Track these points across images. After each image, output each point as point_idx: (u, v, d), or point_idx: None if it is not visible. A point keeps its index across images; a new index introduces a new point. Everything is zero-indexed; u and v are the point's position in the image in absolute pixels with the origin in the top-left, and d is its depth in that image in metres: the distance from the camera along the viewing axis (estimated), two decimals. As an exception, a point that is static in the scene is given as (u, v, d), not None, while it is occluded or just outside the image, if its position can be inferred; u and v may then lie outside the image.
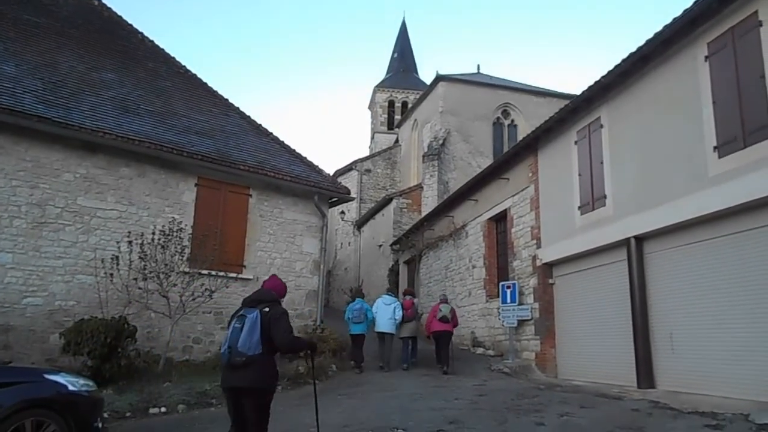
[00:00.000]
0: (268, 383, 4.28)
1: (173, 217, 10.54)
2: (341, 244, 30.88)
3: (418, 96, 31.61)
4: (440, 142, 24.72)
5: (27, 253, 9.31)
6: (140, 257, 9.48)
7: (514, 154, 12.85)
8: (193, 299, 9.80)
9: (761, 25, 6.74)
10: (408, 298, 12.37)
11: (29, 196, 9.45)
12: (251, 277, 11.83)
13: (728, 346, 7.07)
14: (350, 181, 28.54)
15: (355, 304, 11.97)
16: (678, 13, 7.70)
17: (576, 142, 10.55)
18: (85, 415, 4.98)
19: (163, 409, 7.47)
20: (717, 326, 7.27)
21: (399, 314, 11.58)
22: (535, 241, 11.69)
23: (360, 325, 11.54)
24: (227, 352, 4.21)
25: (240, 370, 4.11)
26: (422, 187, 24.51)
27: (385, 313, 11.65)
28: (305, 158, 13.83)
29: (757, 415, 5.64)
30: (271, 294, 4.56)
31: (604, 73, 9.34)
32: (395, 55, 41.69)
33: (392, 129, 35.69)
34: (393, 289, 15.86)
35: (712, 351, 7.30)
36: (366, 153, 36.41)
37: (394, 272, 22.59)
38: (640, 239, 8.76)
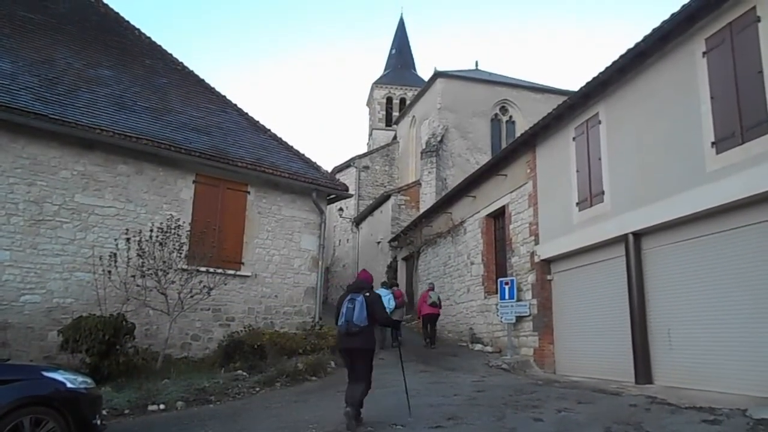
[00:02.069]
0: (373, 345, 6.20)
1: (171, 214, 10.52)
2: (339, 240, 30.87)
3: (416, 92, 31.57)
4: (438, 138, 24.70)
5: (25, 251, 9.29)
6: (138, 254, 9.47)
7: (512, 151, 12.85)
8: (192, 296, 9.80)
9: (759, 21, 6.74)
10: (396, 289, 14.57)
11: (26, 193, 9.43)
12: (249, 274, 11.84)
13: (726, 341, 7.08)
14: (348, 178, 28.52)
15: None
16: (676, 9, 7.70)
17: (574, 139, 10.55)
18: (84, 412, 4.97)
19: (161, 406, 7.46)
20: (715, 322, 7.29)
21: (392, 304, 13.38)
22: (533, 238, 11.69)
23: None
24: (345, 324, 5.99)
25: (355, 337, 5.96)
26: (420, 184, 24.51)
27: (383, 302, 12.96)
28: (303, 155, 13.83)
29: (754, 410, 5.65)
30: (367, 283, 6.49)
31: (602, 69, 9.34)
32: (393, 51, 41.63)
33: (390, 125, 35.65)
34: (390, 284, 16.67)
35: (710, 347, 7.31)
36: (364, 150, 36.37)
37: (392, 269, 22.59)
38: (638, 235, 8.77)
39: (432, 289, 14.68)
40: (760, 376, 6.52)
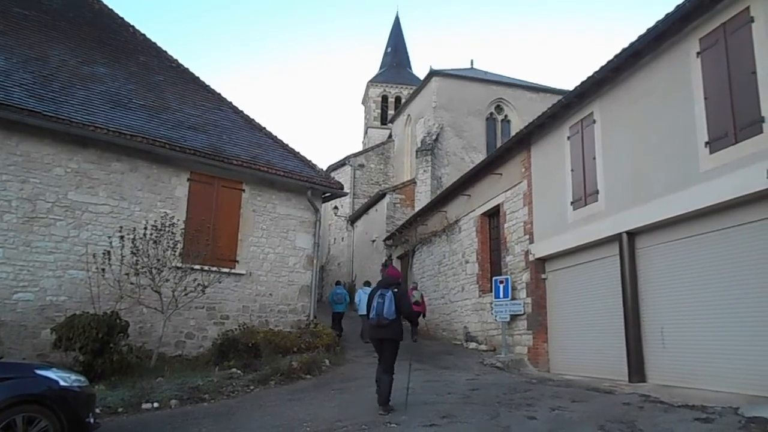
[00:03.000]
0: (400, 336, 6.78)
1: (165, 212, 10.50)
2: (334, 239, 30.86)
3: (411, 91, 31.58)
4: (433, 137, 24.72)
5: (18, 248, 9.24)
6: (132, 252, 9.45)
7: (507, 150, 12.86)
8: (186, 294, 9.79)
9: (753, 21, 6.77)
10: None
11: (20, 190, 9.38)
12: (244, 272, 11.81)
13: (718, 340, 7.13)
14: (343, 176, 28.52)
15: (337, 290, 15.67)
16: (671, 9, 7.72)
17: (569, 138, 10.58)
18: (77, 410, 4.96)
19: (155, 405, 7.44)
20: (707, 321, 7.33)
21: None
22: (527, 236, 11.72)
23: (340, 305, 15.07)
24: (376, 317, 6.71)
25: (384, 328, 6.67)
26: (415, 182, 24.54)
27: (367, 300, 13.53)
28: (298, 153, 13.80)
29: (746, 409, 5.69)
30: (395, 279, 7.22)
31: (597, 68, 9.36)
32: (388, 50, 41.61)
33: (386, 124, 35.65)
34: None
35: (703, 345, 7.36)
36: (359, 148, 36.37)
37: (387, 267, 22.57)
38: (631, 234, 8.80)
39: (415, 288, 15.50)
40: (752, 374, 6.56)
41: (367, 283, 16.00)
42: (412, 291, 15.12)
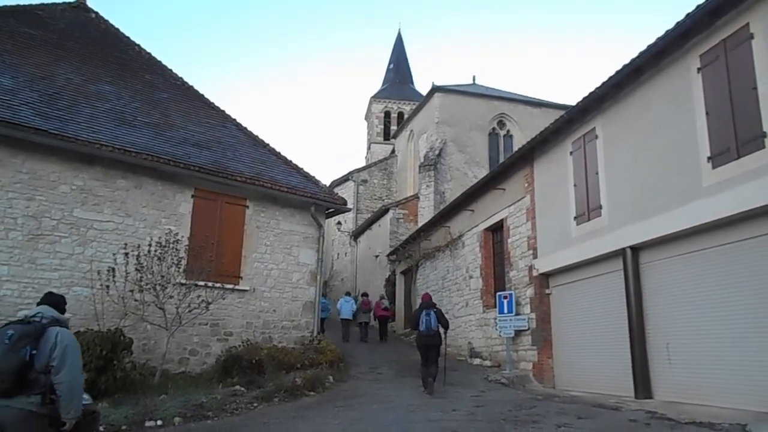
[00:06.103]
0: (441, 342, 9.87)
1: (170, 229, 10.53)
2: (338, 254, 30.87)
3: (414, 107, 31.78)
4: (436, 152, 24.83)
5: (23, 266, 9.28)
6: (136, 269, 9.47)
7: (510, 165, 12.90)
8: (190, 311, 9.78)
9: (752, 38, 6.83)
10: (365, 298, 18.91)
11: (25, 208, 9.44)
12: (248, 288, 11.81)
13: (725, 355, 7.08)
14: (347, 192, 28.63)
15: (322, 300, 16.60)
16: (671, 25, 7.79)
17: (571, 153, 10.61)
18: (81, 428, 4.94)
19: (159, 422, 7.40)
20: (713, 336, 7.28)
21: (354, 307, 18.08)
22: (531, 251, 11.71)
23: (324, 312, 16.18)
24: (426, 329, 9.65)
25: (431, 337, 9.68)
26: (419, 198, 24.59)
27: (347, 306, 17.83)
28: (302, 169, 13.87)
29: (754, 426, 5.65)
30: (431, 301, 10.28)
31: (599, 84, 9.43)
32: (391, 66, 41.92)
33: (388, 139, 35.83)
34: (389, 297, 21.69)
35: (709, 361, 7.31)
36: (362, 163, 36.54)
37: (390, 282, 22.58)
38: (635, 249, 8.79)
39: (383, 298, 19.86)
40: (761, 390, 6.50)
41: (348, 294, 19.51)
42: (381, 300, 19.11)
